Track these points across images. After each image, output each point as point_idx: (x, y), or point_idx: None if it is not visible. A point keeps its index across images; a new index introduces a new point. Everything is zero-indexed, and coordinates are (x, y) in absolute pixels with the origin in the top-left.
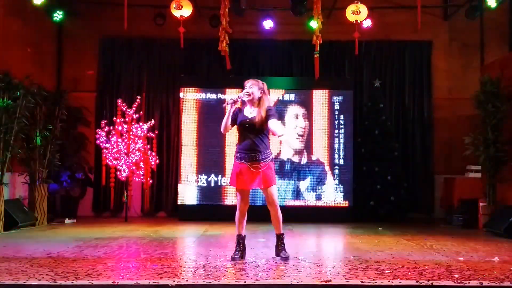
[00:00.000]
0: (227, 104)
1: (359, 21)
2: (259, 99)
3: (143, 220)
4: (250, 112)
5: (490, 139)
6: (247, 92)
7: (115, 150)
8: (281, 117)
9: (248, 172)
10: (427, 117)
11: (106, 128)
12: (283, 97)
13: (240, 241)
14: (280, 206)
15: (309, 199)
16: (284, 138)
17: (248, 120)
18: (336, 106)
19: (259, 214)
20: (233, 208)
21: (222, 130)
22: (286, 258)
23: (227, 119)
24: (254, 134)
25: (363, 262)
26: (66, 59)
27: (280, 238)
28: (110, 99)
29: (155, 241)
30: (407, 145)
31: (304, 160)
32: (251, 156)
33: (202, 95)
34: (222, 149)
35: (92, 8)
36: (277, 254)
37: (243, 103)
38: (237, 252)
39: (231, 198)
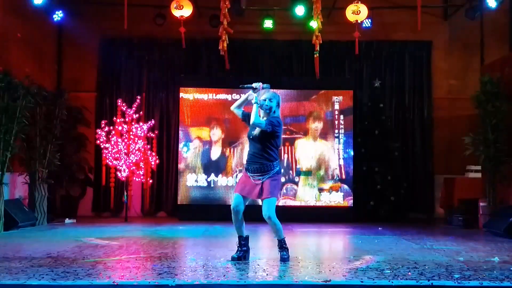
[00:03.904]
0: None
1: (359, 21)
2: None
3: (143, 220)
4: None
5: (490, 139)
6: (267, 106)
7: (115, 150)
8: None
9: (250, 182)
10: (427, 117)
11: (106, 128)
12: (283, 97)
13: (242, 242)
14: (281, 206)
15: (309, 199)
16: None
17: (253, 132)
18: (336, 106)
19: (260, 214)
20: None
21: (232, 106)
22: (285, 259)
23: (241, 102)
24: (258, 146)
25: (363, 262)
26: (66, 59)
27: (280, 242)
28: (110, 99)
29: (155, 241)
30: (407, 145)
31: (304, 160)
32: (253, 167)
33: (202, 95)
34: (222, 149)
35: (92, 8)
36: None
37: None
38: (237, 252)
39: (231, 198)
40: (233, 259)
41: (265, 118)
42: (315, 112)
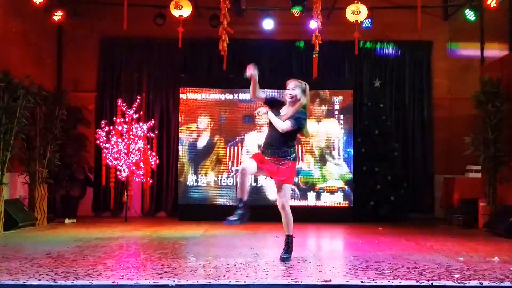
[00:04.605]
0: (248, 74)
1: (359, 21)
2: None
3: (143, 220)
4: (286, 111)
5: (490, 139)
6: (290, 94)
7: (115, 150)
8: None
9: (266, 160)
10: (427, 117)
11: (106, 128)
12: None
13: (241, 205)
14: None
15: (309, 199)
16: None
17: (277, 117)
18: (336, 106)
19: (261, 214)
20: (233, 208)
21: (251, 95)
22: (284, 259)
23: (253, 86)
24: (278, 132)
25: (363, 262)
26: (66, 59)
27: (287, 239)
28: (110, 99)
29: (155, 241)
30: (407, 145)
31: (304, 160)
32: (270, 151)
33: (202, 95)
34: (222, 149)
35: (92, 8)
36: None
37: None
38: (237, 215)
39: (231, 198)
40: (231, 222)
41: (290, 108)
42: (315, 112)
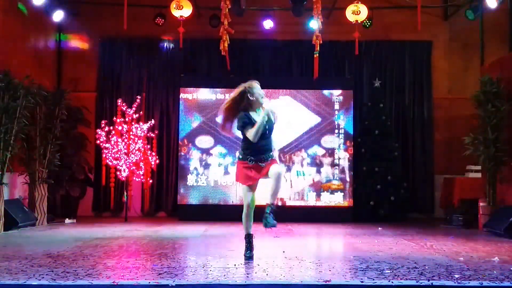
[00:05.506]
0: (269, 115)
1: (359, 21)
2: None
3: (143, 220)
4: (257, 115)
5: (490, 139)
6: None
7: (115, 150)
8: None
9: (258, 169)
10: (427, 117)
11: (106, 128)
12: (283, 96)
13: (251, 240)
14: (281, 206)
15: (309, 199)
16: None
17: (267, 127)
18: (336, 106)
19: (260, 215)
20: (233, 208)
21: (255, 138)
22: (270, 224)
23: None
24: (269, 139)
25: (363, 262)
26: (66, 59)
27: (270, 207)
28: (110, 99)
29: (155, 241)
30: (407, 145)
31: (304, 160)
32: (263, 157)
33: (202, 95)
34: (221, 148)
35: (92, 8)
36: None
37: (247, 105)
38: (249, 251)
39: (231, 198)
40: (248, 258)
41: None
42: (315, 112)
